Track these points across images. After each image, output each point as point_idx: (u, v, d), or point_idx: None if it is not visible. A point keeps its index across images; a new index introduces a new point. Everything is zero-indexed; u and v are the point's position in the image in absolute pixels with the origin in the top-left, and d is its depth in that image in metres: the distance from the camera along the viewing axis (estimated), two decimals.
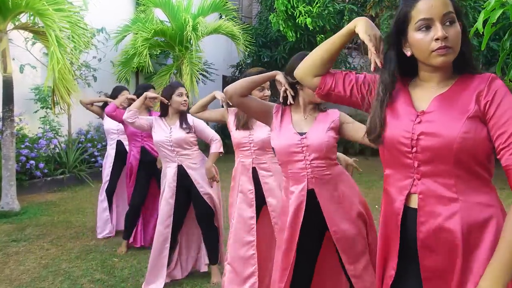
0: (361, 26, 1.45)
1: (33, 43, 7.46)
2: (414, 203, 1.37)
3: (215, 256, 3.62)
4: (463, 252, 1.26)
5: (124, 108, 4.21)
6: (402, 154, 1.38)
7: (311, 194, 2.16)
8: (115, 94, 4.69)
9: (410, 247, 1.39)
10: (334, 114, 2.32)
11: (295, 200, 2.16)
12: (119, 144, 4.78)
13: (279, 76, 2.24)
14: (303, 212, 2.15)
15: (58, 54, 4.99)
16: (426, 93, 1.40)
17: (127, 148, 4.58)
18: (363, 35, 1.42)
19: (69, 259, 4.08)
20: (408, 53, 1.40)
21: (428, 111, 1.35)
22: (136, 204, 4.26)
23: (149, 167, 4.27)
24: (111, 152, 4.82)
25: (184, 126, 3.50)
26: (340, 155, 2.54)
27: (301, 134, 2.19)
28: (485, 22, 2.13)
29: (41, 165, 7.01)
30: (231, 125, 3.04)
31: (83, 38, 5.86)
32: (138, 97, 4.26)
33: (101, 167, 6.12)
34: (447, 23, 1.30)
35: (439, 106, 1.34)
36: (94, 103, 4.96)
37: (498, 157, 1.27)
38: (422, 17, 1.31)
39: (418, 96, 1.42)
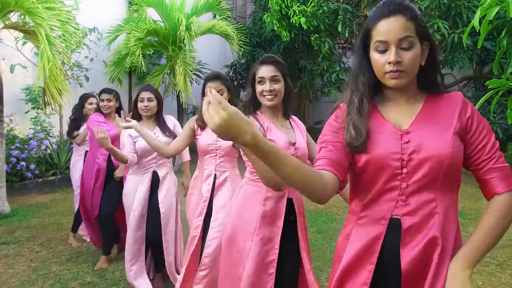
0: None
1: (24, 43, 7.37)
2: (396, 225, 1.33)
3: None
4: (438, 259, 1.29)
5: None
6: (390, 175, 1.33)
7: (289, 202, 2.18)
8: (82, 102, 4.59)
9: (383, 272, 1.35)
10: (300, 122, 2.39)
11: (272, 206, 2.14)
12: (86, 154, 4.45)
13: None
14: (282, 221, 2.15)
15: (49, 53, 4.90)
16: (400, 112, 1.39)
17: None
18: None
19: (60, 262, 4.00)
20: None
21: (411, 130, 1.34)
22: (105, 214, 3.92)
23: (108, 174, 4.08)
24: (79, 162, 4.53)
25: (167, 133, 3.34)
26: None
27: (293, 143, 2.19)
28: (481, 20, 2.08)
29: (32, 166, 6.92)
30: (198, 132, 2.92)
31: (75, 37, 5.78)
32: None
33: None
34: (404, 47, 1.29)
35: (421, 124, 1.35)
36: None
37: (472, 168, 1.34)
38: (379, 39, 1.32)
39: (393, 115, 1.39)
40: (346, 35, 8.43)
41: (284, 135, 2.18)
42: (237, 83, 13.04)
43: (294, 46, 9.98)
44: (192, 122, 2.93)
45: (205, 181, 2.87)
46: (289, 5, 8.50)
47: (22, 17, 5.88)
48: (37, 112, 7.67)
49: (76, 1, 5.39)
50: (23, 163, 6.77)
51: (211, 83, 2.81)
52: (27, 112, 7.60)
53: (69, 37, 5.43)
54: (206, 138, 2.86)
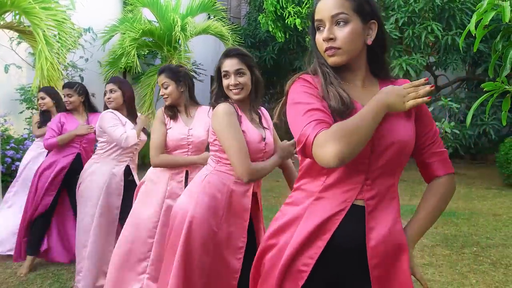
0: (393, 102, 1.25)
1: (18, 43, 7.36)
2: (359, 210, 1.30)
3: None
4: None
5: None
6: (356, 159, 1.22)
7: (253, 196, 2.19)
8: None
9: (338, 255, 1.31)
10: (267, 115, 2.33)
11: (237, 202, 2.13)
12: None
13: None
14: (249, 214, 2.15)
15: (47, 53, 4.91)
16: (361, 93, 1.35)
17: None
18: (407, 106, 1.25)
19: (57, 262, 4.01)
20: None
21: None
22: (47, 213, 3.78)
23: (70, 176, 3.77)
24: (39, 159, 4.26)
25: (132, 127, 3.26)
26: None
27: (263, 138, 2.16)
28: (476, 24, 2.13)
29: None
30: (168, 123, 2.75)
31: (70, 37, 5.79)
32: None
33: None
34: (339, 24, 1.29)
35: None
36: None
37: (417, 152, 1.40)
38: (316, 18, 1.34)
39: (355, 95, 1.34)
40: None
41: (255, 129, 2.14)
42: None
43: (288, 47, 10.05)
44: (160, 114, 2.75)
45: (174, 178, 2.72)
46: (284, 6, 8.57)
47: (18, 17, 5.90)
48: (31, 112, 7.64)
49: (72, 1, 5.38)
50: (18, 163, 6.74)
51: (158, 76, 2.75)
52: (21, 112, 7.58)
53: (65, 37, 5.43)
54: (177, 132, 2.71)
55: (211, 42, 11.87)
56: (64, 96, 3.87)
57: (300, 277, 1.31)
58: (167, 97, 2.71)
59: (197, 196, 2.10)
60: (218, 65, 2.16)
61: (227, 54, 2.15)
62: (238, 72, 2.10)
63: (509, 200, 6.45)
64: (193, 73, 8.67)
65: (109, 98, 3.23)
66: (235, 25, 10.32)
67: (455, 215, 5.72)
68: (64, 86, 3.91)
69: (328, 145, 1.15)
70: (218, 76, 2.17)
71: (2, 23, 5.96)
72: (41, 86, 5.36)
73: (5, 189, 6.16)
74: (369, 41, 1.33)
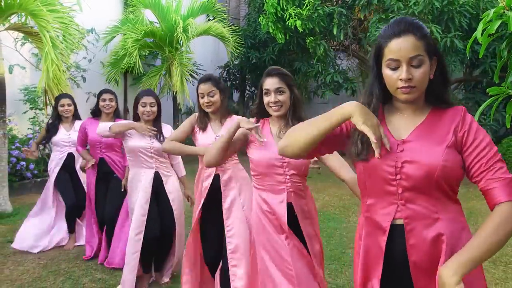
0: (358, 116, 1.37)
1: (23, 44, 7.41)
2: (399, 228, 1.44)
3: (160, 266, 3.65)
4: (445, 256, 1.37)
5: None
6: (385, 181, 1.45)
7: (288, 207, 2.23)
8: (55, 104, 4.49)
9: (395, 270, 1.46)
10: None
11: (273, 212, 2.22)
12: (70, 157, 4.46)
13: (243, 123, 2.25)
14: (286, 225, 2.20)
15: (53, 55, 4.99)
16: (403, 122, 1.50)
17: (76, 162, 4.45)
18: (361, 127, 1.37)
19: (68, 259, 4.09)
20: (384, 82, 1.49)
21: (408, 140, 1.45)
22: (108, 218, 3.98)
23: (104, 179, 4.11)
24: (58, 163, 4.44)
25: (161, 138, 3.43)
26: None
27: None
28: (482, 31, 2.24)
29: (31, 166, 6.97)
30: (196, 130, 3.00)
31: (75, 38, 5.86)
32: (96, 104, 4.20)
33: None
34: (414, 65, 1.39)
35: (418, 135, 1.44)
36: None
37: (473, 180, 1.40)
38: (390, 57, 1.40)
39: (396, 125, 1.50)
40: (341, 38, 8.60)
41: (274, 141, 2.25)
42: (230, 83, 13.17)
43: (289, 48, 10.13)
44: (193, 118, 3.00)
45: (206, 180, 2.93)
46: (285, 8, 8.65)
47: (24, 18, 5.97)
48: (35, 113, 7.72)
49: (79, 3, 5.45)
50: (23, 163, 6.82)
51: (203, 84, 2.88)
52: (25, 113, 7.65)
53: (70, 39, 5.51)
54: (205, 138, 2.94)
55: (209, 43, 11.95)
56: (105, 100, 4.06)
57: None
58: (211, 105, 2.89)
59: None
60: (261, 83, 2.31)
61: (269, 73, 2.28)
62: (278, 91, 2.25)
63: None
64: (193, 74, 8.77)
65: (148, 111, 3.39)
66: (235, 27, 10.39)
67: None
68: (105, 91, 4.12)
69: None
70: (260, 93, 2.32)
71: (7, 24, 6.04)
72: (47, 88, 5.45)
73: (9, 188, 6.24)
74: (431, 76, 1.45)
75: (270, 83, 2.25)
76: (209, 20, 10.33)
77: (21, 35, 7.17)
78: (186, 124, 3.00)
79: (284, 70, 2.33)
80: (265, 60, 10.81)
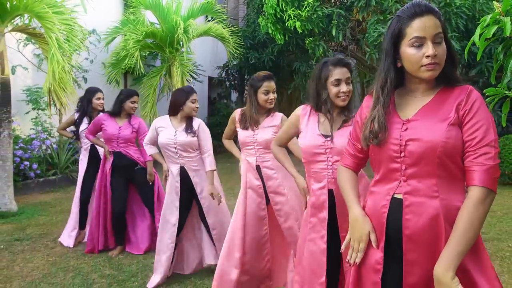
0: (350, 228, 1.66)
1: (25, 45, 7.49)
2: (398, 203, 1.54)
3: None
4: (445, 241, 1.45)
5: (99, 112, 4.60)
6: (391, 159, 1.55)
7: (329, 194, 2.29)
8: (89, 96, 4.65)
9: (391, 242, 1.56)
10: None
11: (316, 197, 2.31)
12: (93, 148, 4.63)
13: (302, 188, 2.49)
14: (327, 210, 2.26)
15: (59, 56, 5.08)
16: (411, 102, 1.59)
17: (101, 153, 4.53)
18: (347, 237, 1.68)
19: (76, 256, 4.19)
20: (399, 65, 1.59)
21: (413, 119, 1.54)
22: (118, 210, 4.26)
23: (124, 172, 4.28)
24: (83, 158, 4.68)
25: (189, 130, 3.58)
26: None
27: (325, 136, 2.28)
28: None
29: (35, 166, 7.05)
30: (238, 125, 3.23)
31: (78, 40, 5.95)
32: (119, 102, 4.33)
33: None
34: (437, 42, 1.48)
35: (423, 114, 1.53)
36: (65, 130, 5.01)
37: (463, 159, 1.47)
38: (416, 35, 1.48)
39: (404, 105, 1.60)
40: (340, 39, 8.72)
41: (317, 130, 2.32)
42: (229, 84, 13.29)
43: (288, 49, 10.24)
44: (235, 114, 3.27)
45: (251, 170, 3.15)
46: (284, 9, 8.76)
47: (28, 20, 6.06)
48: (37, 113, 7.80)
49: (83, 4, 5.54)
50: (26, 162, 6.91)
51: (267, 82, 3.05)
52: (27, 113, 7.72)
53: (75, 40, 5.60)
54: (244, 135, 3.17)
55: (208, 43, 12.06)
56: (133, 103, 4.31)
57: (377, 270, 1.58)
58: (273, 102, 3.10)
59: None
60: (325, 73, 2.27)
61: (337, 64, 2.26)
62: (347, 81, 2.29)
63: (502, 197, 6.70)
64: (193, 74, 8.90)
65: (197, 107, 3.67)
66: (235, 27, 10.49)
67: None
68: (134, 94, 4.36)
69: None
70: (323, 83, 2.28)
71: (10, 26, 6.13)
72: (53, 89, 5.54)
73: (14, 188, 6.32)
74: None
75: (341, 72, 2.25)
76: (208, 21, 10.43)
77: (24, 36, 7.26)
78: (229, 122, 3.34)
79: (348, 60, 2.39)
80: (264, 61, 10.93)
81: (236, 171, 3.92)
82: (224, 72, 12.95)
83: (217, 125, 13.53)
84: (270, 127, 3.11)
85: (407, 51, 1.52)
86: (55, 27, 5.13)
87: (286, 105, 13.16)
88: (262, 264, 3.19)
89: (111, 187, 4.27)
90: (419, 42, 1.49)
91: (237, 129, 3.23)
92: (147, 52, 9.94)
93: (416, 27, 1.49)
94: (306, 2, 8.38)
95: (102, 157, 4.44)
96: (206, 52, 12.56)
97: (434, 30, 1.48)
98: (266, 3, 9.06)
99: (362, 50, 10.26)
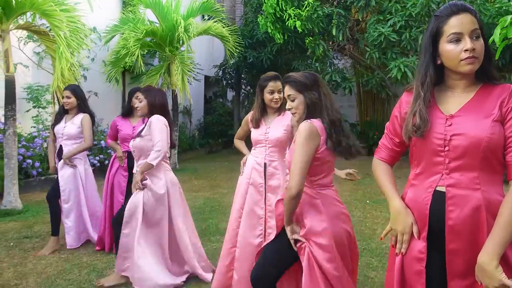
0: (392, 220, 1.73)
1: (26, 43, 7.46)
2: (441, 195, 1.61)
3: None
4: (486, 232, 1.52)
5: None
6: (434, 153, 1.62)
7: None
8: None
9: (433, 233, 1.63)
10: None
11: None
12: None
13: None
14: None
15: (67, 54, 5.08)
16: (452, 99, 1.66)
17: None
18: (388, 227, 1.77)
19: (88, 253, 4.21)
20: (438, 62, 1.65)
21: (457, 115, 1.61)
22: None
23: (131, 172, 4.17)
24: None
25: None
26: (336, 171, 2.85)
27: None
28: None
29: (37, 164, 7.03)
30: (250, 125, 3.31)
31: (82, 38, 5.94)
32: (128, 103, 4.41)
33: (93, 166, 6.21)
34: (474, 38, 1.56)
35: (467, 110, 1.61)
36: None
37: (505, 152, 1.55)
38: (453, 31, 1.57)
39: (445, 101, 1.67)
40: (340, 39, 8.80)
41: None
42: (226, 83, 13.31)
43: (287, 48, 10.29)
44: (248, 116, 3.35)
45: (257, 168, 3.20)
46: (284, 8, 8.82)
47: (31, 18, 6.04)
48: (38, 111, 7.77)
49: (90, 2, 5.54)
50: (29, 161, 6.88)
51: (273, 82, 3.11)
52: (28, 111, 7.69)
53: (81, 38, 5.60)
54: (257, 133, 3.23)
55: (203, 42, 12.06)
56: (137, 98, 4.17)
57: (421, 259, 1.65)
58: (279, 101, 3.17)
59: None
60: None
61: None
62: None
63: None
64: (191, 73, 8.87)
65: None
66: (234, 26, 10.51)
67: None
68: (136, 90, 4.31)
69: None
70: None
71: (12, 24, 6.10)
72: (57, 86, 5.54)
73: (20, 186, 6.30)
74: None
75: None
76: (204, 20, 10.46)
77: (25, 34, 7.23)
78: (243, 123, 3.45)
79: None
80: (262, 60, 10.98)
81: (235, 170, 3.94)
82: (221, 71, 12.97)
83: (213, 124, 13.57)
84: (281, 125, 3.16)
85: (446, 47, 1.59)
86: (63, 24, 5.13)
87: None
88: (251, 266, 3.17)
89: (126, 186, 4.26)
90: (457, 38, 1.56)
91: (251, 129, 3.29)
92: (145, 51, 9.94)
93: (453, 24, 1.57)
94: (306, 2, 8.45)
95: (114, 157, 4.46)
96: (202, 51, 12.56)
97: (471, 26, 1.56)
98: (265, 3, 9.12)
99: (360, 49, 10.39)
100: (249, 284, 3.06)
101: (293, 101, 2.31)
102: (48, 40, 5.92)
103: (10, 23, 5.58)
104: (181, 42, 9.26)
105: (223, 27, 9.49)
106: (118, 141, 4.40)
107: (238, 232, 3.15)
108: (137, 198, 3.39)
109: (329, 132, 2.22)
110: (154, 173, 3.46)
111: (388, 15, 8.11)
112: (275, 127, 3.17)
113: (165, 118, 3.53)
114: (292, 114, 2.36)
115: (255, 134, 3.23)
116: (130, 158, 4.24)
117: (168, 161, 3.65)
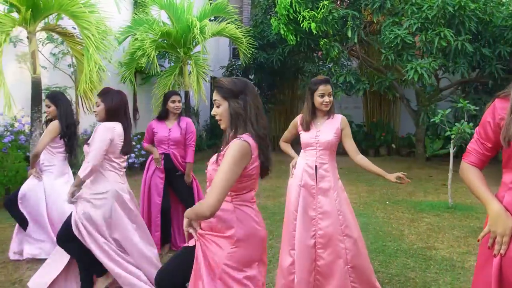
0: (491, 222, 1.76)
1: (45, 44, 7.46)
2: None
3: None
4: None
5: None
6: None
7: None
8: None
9: None
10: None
11: None
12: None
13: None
14: None
15: (96, 56, 5.09)
16: None
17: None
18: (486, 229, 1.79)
19: None
20: None
21: None
22: (165, 206, 4.36)
23: (168, 174, 4.35)
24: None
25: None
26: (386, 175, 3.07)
27: None
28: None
29: None
30: (300, 128, 3.34)
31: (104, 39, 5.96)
32: (162, 106, 4.42)
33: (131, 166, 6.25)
34: None
35: None
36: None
37: None
38: None
39: None
40: (355, 40, 8.86)
41: None
42: None
43: (300, 50, 10.35)
44: (297, 119, 3.40)
45: (308, 170, 3.24)
46: (297, 10, 8.88)
47: (54, 19, 6.05)
48: None
49: (117, 4, 5.56)
50: None
51: (323, 86, 3.16)
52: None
53: (108, 40, 5.63)
54: (308, 136, 3.27)
55: (211, 43, 12.08)
56: (174, 102, 4.34)
57: None
58: (329, 104, 3.23)
59: None
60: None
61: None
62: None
63: None
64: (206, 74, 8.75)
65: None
66: (247, 28, 10.54)
67: (473, 210, 6.14)
68: (174, 93, 4.40)
69: None
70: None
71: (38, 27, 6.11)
72: (83, 88, 5.56)
73: None
74: None
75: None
76: (211, 21, 10.49)
77: (44, 35, 7.23)
78: (290, 126, 3.47)
79: None
80: (273, 61, 11.04)
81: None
82: (228, 72, 13.01)
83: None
84: (332, 128, 3.22)
85: None
86: (92, 26, 5.14)
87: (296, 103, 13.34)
88: (310, 266, 3.21)
89: (163, 185, 4.33)
90: None
91: (300, 132, 3.33)
92: (157, 52, 9.95)
93: None
94: (321, 4, 8.50)
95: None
96: (209, 52, 12.60)
97: None
98: (278, 4, 9.17)
99: (367, 51, 10.51)
100: (308, 285, 3.15)
101: (218, 107, 2.13)
102: (72, 41, 5.94)
103: (37, 25, 5.59)
104: (194, 43, 9.31)
105: (237, 29, 9.52)
106: (154, 144, 4.43)
107: (294, 235, 3.20)
108: (74, 214, 3.12)
109: (260, 148, 2.08)
110: (93, 185, 3.16)
111: (403, 17, 8.19)
112: (325, 130, 3.22)
113: (123, 122, 3.27)
114: (218, 121, 2.18)
115: (305, 137, 3.27)
116: (166, 159, 4.32)
117: (119, 170, 3.29)
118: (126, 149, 3.27)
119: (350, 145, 3.26)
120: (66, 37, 5.97)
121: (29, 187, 4.05)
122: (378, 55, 10.84)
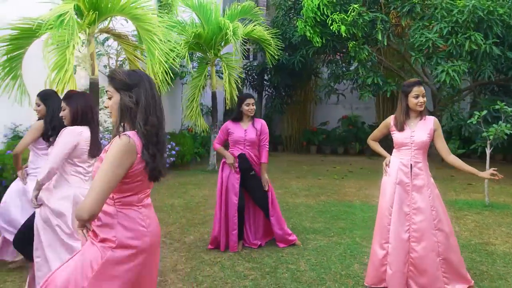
0: None
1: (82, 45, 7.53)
2: None
3: None
4: None
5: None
6: None
7: None
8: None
9: None
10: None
11: None
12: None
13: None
14: None
15: (162, 58, 5.21)
16: None
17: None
18: None
19: (204, 252, 4.40)
20: None
21: None
22: (241, 204, 4.49)
23: (242, 174, 4.50)
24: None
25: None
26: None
27: None
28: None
29: None
30: (393, 129, 3.54)
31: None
32: (237, 108, 4.58)
33: None
34: None
35: None
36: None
37: None
38: None
39: None
40: (385, 43, 9.08)
41: None
42: (249, 84, 13.51)
43: (325, 51, 10.56)
44: (389, 120, 3.61)
45: (403, 169, 3.46)
46: (325, 13, 9.08)
47: (107, 22, 6.15)
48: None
49: (176, 7, 5.69)
50: None
51: (417, 87, 3.40)
52: None
53: (170, 41, 5.73)
54: (402, 136, 3.49)
55: None
56: (248, 105, 4.50)
57: None
58: (423, 105, 3.44)
59: None
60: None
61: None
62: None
63: None
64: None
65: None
66: (275, 30, 10.68)
67: (510, 208, 6.41)
68: (248, 96, 4.59)
69: None
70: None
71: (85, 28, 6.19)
72: None
73: None
74: None
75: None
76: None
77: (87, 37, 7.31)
78: (381, 125, 3.66)
79: None
80: (294, 62, 11.24)
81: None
82: (244, 72, 13.16)
83: None
84: (426, 129, 3.43)
85: None
86: (157, 28, 5.25)
87: (308, 104, 13.50)
88: (405, 259, 3.40)
89: (239, 185, 4.47)
90: None
91: (393, 133, 3.53)
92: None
93: None
94: (351, 7, 8.71)
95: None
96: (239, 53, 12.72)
97: None
98: (305, 7, 9.37)
99: (390, 53, 10.74)
100: (402, 278, 3.35)
101: (110, 98, 2.01)
102: (125, 43, 6.05)
103: (96, 27, 5.69)
104: (222, 44, 9.47)
105: (265, 31, 9.68)
106: (229, 144, 4.58)
107: (389, 229, 3.40)
108: (36, 219, 3.09)
109: (146, 147, 1.93)
110: (55, 189, 3.12)
111: (433, 21, 8.43)
112: (420, 131, 3.43)
113: (91, 125, 3.23)
114: (109, 113, 2.06)
115: (400, 137, 3.47)
116: (241, 160, 4.48)
117: (84, 174, 3.19)
118: (94, 152, 3.17)
119: (442, 146, 3.47)
120: (121, 40, 6.08)
121: (11, 196, 3.88)
122: (397, 58, 11.11)
